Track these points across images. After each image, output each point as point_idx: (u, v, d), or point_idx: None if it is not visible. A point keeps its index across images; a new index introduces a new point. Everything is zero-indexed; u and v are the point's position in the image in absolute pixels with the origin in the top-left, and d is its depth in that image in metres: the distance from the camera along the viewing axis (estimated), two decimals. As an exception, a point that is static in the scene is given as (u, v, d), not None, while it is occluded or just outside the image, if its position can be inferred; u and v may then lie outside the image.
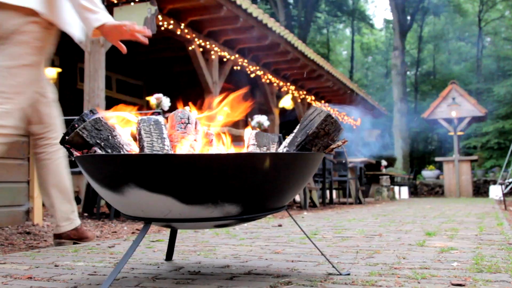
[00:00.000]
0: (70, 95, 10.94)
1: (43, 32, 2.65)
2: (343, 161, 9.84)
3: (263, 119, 9.27)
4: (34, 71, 2.64)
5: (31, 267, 2.15)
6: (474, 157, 17.98)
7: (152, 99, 6.54)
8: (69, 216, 2.96)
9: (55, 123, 3.01)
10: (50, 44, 2.76)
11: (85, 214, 5.21)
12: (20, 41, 2.56)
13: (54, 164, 2.89)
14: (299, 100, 13.96)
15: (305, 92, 14.17)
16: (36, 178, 3.00)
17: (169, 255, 2.32)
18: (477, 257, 2.29)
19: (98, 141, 1.72)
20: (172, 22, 8.17)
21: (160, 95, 6.49)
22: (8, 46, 2.55)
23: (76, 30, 2.78)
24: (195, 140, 1.82)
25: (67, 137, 1.74)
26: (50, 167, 2.88)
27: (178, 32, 8.42)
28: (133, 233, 3.81)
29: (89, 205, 5.34)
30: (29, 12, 2.56)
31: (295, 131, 1.92)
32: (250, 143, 1.94)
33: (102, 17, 2.50)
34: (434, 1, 33.52)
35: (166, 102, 6.47)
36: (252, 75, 11.23)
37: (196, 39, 8.87)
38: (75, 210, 3.03)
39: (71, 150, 1.76)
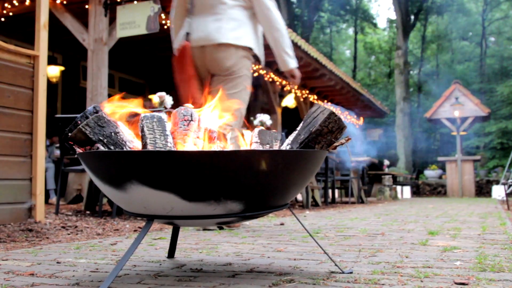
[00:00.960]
0: (73, 93, 10.96)
1: (250, 63, 3.71)
2: (346, 160, 9.84)
3: (265, 118, 9.27)
4: (248, 93, 3.67)
5: (33, 263, 2.15)
6: (477, 157, 17.93)
7: (155, 97, 6.53)
8: None
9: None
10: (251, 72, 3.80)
11: (87, 212, 5.21)
12: (239, 73, 3.59)
13: None
14: (301, 99, 13.95)
15: (307, 91, 14.15)
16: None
17: (171, 253, 2.31)
18: (480, 256, 2.29)
19: (101, 137, 1.71)
20: (175, 20, 8.16)
21: (163, 93, 6.48)
22: (232, 78, 3.58)
23: (263, 58, 3.84)
24: (198, 137, 1.82)
25: (69, 134, 1.74)
26: None
27: (181, 31, 8.41)
28: (135, 230, 3.81)
29: (92, 203, 5.34)
30: (245, 49, 3.62)
31: (298, 128, 1.91)
32: (253, 141, 1.94)
33: (295, 62, 3.71)
34: (437, 1, 33.47)
35: (168, 100, 6.46)
36: (255, 74, 11.22)
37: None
38: None
39: (73, 147, 1.76)
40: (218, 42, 3.53)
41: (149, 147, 1.69)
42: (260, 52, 3.75)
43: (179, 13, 3.81)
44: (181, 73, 3.63)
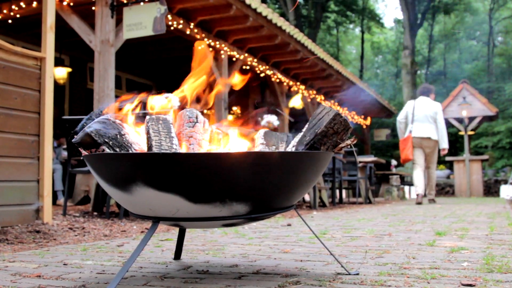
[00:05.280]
0: (80, 94, 11.00)
1: (437, 144, 8.96)
2: (353, 161, 9.82)
3: (273, 118, 9.26)
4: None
5: (40, 265, 2.16)
6: (485, 157, 17.81)
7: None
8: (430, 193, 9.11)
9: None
10: None
11: (95, 213, 5.23)
12: (436, 150, 8.95)
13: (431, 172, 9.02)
14: (309, 100, 13.93)
15: (315, 92, 14.13)
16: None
17: (177, 254, 2.32)
18: (488, 257, 2.27)
19: (106, 140, 1.72)
20: (181, 21, 8.17)
21: (170, 94, 6.49)
22: (433, 152, 8.93)
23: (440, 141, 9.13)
24: (203, 139, 1.82)
25: (75, 136, 1.74)
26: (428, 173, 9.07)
27: (188, 32, 8.42)
28: (142, 232, 3.82)
29: (99, 204, 5.36)
30: (437, 141, 8.89)
31: (303, 130, 1.91)
32: (259, 142, 1.94)
33: (447, 145, 8.96)
34: (444, 0, 33.35)
35: (175, 101, 6.47)
36: (262, 75, 11.21)
37: (205, 39, 8.87)
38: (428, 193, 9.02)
39: (79, 149, 1.76)
40: (427, 137, 8.66)
41: (155, 149, 1.69)
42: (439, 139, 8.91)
43: (403, 121, 8.95)
44: (405, 145, 8.62)
